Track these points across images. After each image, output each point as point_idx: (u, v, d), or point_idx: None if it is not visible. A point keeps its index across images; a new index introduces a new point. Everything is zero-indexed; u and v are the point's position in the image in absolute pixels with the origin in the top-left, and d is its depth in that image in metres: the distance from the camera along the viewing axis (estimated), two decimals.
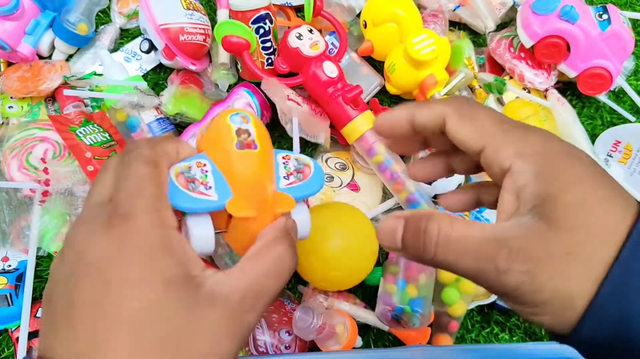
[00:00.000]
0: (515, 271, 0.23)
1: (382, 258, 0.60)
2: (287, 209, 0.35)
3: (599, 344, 0.22)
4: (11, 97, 0.63)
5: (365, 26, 0.62)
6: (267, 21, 0.59)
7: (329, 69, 0.56)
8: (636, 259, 0.22)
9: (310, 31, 0.57)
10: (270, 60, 0.62)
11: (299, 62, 0.57)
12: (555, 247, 0.23)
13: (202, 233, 0.32)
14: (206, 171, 0.35)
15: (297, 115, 0.56)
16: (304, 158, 0.42)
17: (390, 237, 0.26)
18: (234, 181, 0.34)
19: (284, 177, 0.40)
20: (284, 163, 0.40)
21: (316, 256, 0.53)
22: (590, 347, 0.23)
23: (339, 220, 0.54)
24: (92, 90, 0.61)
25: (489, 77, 0.64)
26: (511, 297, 0.24)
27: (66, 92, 0.59)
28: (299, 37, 0.57)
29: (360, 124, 0.56)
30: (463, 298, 0.55)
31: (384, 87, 0.65)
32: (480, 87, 0.65)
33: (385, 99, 0.67)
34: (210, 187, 0.34)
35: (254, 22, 0.58)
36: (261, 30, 0.59)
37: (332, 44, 0.64)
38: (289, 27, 0.66)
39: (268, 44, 0.60)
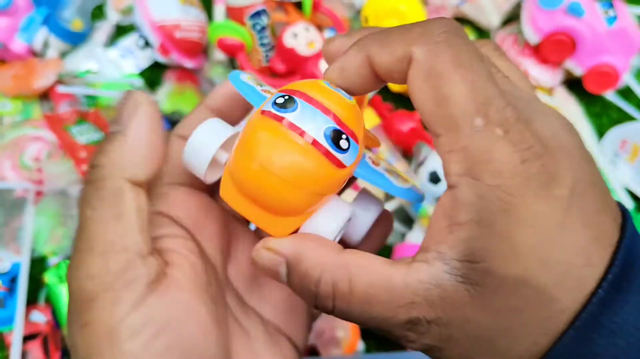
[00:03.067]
0: (422, 342, 0.18)
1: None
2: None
3: None
4: (4, 96, 0.62)
5: (367, 21, 0.61)
6: (264, 17, 0.58)
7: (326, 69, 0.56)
8: (577, 348, 0.17)
9: (307, 29, 0.56)
10: (267, 57, 0.61)
11: (296, 62, 0.57)
12: (473, 330, 0.17)
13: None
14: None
15: None
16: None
17: (271, 276, 0.20)
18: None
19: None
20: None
21: None
22: None
23: None
24: (87, 87, 0.60)
25: None
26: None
27: (61, 88, 0.58)
28: (295, 36, 0.56)
29: None
30: None
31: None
32: None
33: (387, 95, 0.65)
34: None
35: (251, 18, 0.57)
36: (258, 26, 0.58)
37: None
38: (287, 23, 0.65)
39: (265, 40, 0.59)
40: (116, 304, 0.18)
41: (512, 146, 0.17)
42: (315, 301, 0.19)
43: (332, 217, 0.20)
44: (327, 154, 0.19)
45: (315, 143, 0.19)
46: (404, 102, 0.65)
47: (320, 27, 0.64)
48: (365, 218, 0.23)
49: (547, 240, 0.17)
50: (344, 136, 0.19)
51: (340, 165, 0.19)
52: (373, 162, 0.22)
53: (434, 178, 0.56)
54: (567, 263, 0.17)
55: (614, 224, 0.18)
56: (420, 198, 0.22)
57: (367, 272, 0.19)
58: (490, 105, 0.17)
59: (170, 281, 0.20)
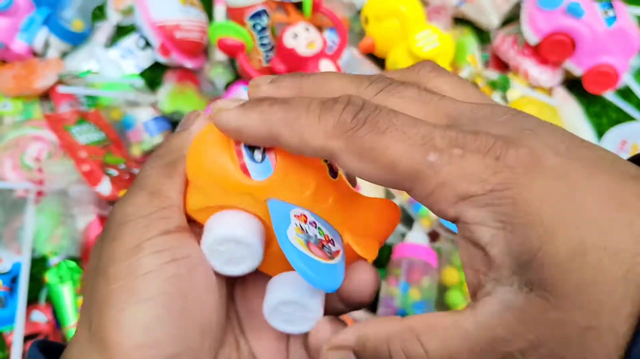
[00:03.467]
0: None
1: (384, 260, 0.59)
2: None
3: None
4: (5, 96, 0.62)
5: (367, 22, 0.61)
6: (264, 17, 0.58)
7: (327, 69, 0.56)
8: None
9: (307, 29, 0.56)
10: (268, 57, 0.61)
11: (296, 62, 0.57)
12: (567, 329, 0.16)
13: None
14: (314, 223, 0.23)
15: None
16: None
17: None
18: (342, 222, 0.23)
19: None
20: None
21: None
22: None
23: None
24: (87, 87, 0.60)
25: (492, 75, 0.63)
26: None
27: (61, 89, 0.58)
28: (295, 36, 0.56)
29: None
30: (467, 300, 0.54)
31: None
32: (484, 84, 0.64)
33: None
34: (333, 241, 0.23)
35: (251, 18, 0.57)
36: (258, 27, 0.58)
37: (332, 40, 0.63)
38: (287, 24, 0.65)
39: (266, 41, 0.60)
40: (147, 228, 0.21)
41: (477, 153, 0.16)
42: None
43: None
44: (239, 153, 0.20)
45: (238, 151, 0.20)
46: None
47: (320, 28, 0.64)
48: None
49: (565, 203, 0.16)
50: (259, 149, 0.20)
51: (245, 171, 0.20)
52: (301, 221, 0.21)
53: None
54: (600, 211, 0.16)
55: (620, 164, 0.17)
56: (331, 285, 0.20)
57: (435, 329, 0.18)
58: (431, 139, 0.17)
59: (194, 240, 0.22)
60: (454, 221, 0.17)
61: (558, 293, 0.15)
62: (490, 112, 0.18)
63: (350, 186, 0.23)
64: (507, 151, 0.16)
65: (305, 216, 0.21)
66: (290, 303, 0.22)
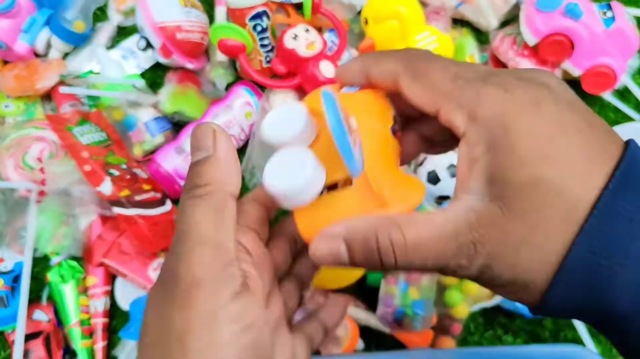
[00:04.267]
0: (472, 266, 0.22)
1: None
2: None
3: (569, 314, 0.22)
4: (7, 96, 0.62)
5: (367, 23, 0.61)
6: (264, 18, 0.58)
7: (327, 69, 0.56)
8: (599, 234, 0.20)
9: (307, 31, 0.57)
10: (268, 58, 0.61)
11: (296, 63, 0.57)
12: (509, 237, 0.21)
13: (316, 174, 0.24)
14: (354, 126, 0.26)
15: None
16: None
17: (334, 259, 0.23)
18: (375, 163, 0.25)
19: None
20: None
21: None
22: (562, 316, 0.23)
23: None
24: (89, 88, 0.60)
25: None
26: (476, 281, 0.23)
27: (63, 89, 0.59)
28: (295, 37, 0.56)
29: None
30: (466, 299, 0.54)
31: None
32: None
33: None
34: (355, 145, 0.25)
35: (251, 20, 0.57)
36: (259, 28, 0.58)
37: (332, 41, 0.64)
38: (288, 25, 0.65)
39: (266, 42, 0.60)
40: (218, 293, 0.21)
41: (494, 86, 0.22)
42: (381, 262, 0.22)
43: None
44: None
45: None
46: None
47: (320, 29, 0.64)
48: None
49: (545, 143, 0.20)
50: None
51: None
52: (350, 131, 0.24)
53: (433, 178, 0.56)
54: (569, 159, 0.20)
55: (609, 135, 0.22)
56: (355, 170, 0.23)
57: (414, 222, 0.22)
58: (463, 72, 0.23)
59: (253, 285, 0.24)
60: (461, 138, 0.22)
61: (510, 207, 0.21)
62: (513, 70, 0.24)
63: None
64: (516, 88, 0.21)
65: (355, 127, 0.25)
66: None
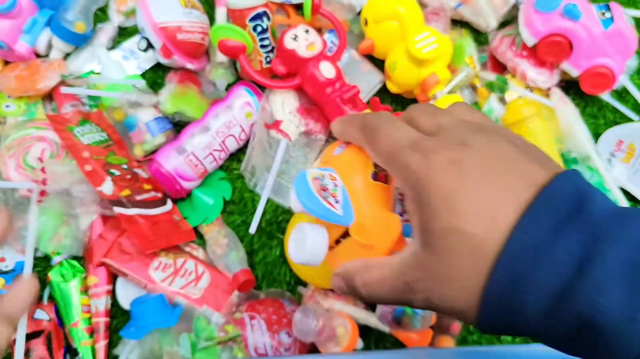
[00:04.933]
0: (418, 299, 0.28)
1: None
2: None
3: (505, 333, 0.27)
4: (8, 96, 0.63)
5: (366, 24, 0.61)
6: (264, 19, 0.58)
7: (326, 70, 0.56)
8: (509, 267, 0.24)
9: (307, 31, 0.57)
10: (268, 59, 0.61)
11: (296, 64, 0.57)
12: (436, 275, 0.26)
13: (317, 243, 0.33)
14: (336, 185, 0.36)
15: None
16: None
17: (341, 291, 0.32)
18: (360, 207, 0.33)
19: (399, 213, 0.38)
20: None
21: None
22: (499, 333, 0.27)
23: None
24: (89, 88, 0.60)
25: (490, 76, 0.63)
26: (428, 310, 0.29)
27: (64, 89, 0.59)
28: (295, 38, 0.56)
29: None
30: None
31: (385, 84, 0.65)
32: (482, 86, 0.64)
33: (386, 97, 0.66)
34: (338, 202, 0.35)
35: (251, 20, 0.58)
36: (259, 28, 0.59)
37: (332, 41, 0.64)
38: (288, 26, 0.65)
39: (266, 42, 0.60)
40: None
41: (417, 153, 0.27)
42: (358, 295, 0.31)
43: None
44: None
45: None
46: (402, 103, 0.66)
47: (320, 30, 0.64)
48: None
49: (451, 198, 0.25)
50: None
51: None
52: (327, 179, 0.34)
53: None
54: (472, 209, 0.25)
55: (525, 176, 0.26)
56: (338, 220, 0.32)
57: (379, 266, 0.30)
58: (401, 140, 0.29)
59: None
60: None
61: (433, 251, 0.26)
62: (448, 130, 0.29)
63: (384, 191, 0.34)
64: (433, 154, 0.27)
65: (336, 178, 0.34)
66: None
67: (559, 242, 0.23)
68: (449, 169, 0.26)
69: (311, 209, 0.31)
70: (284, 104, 0.60)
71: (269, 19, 0.59)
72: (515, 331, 0.26)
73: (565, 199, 0.24)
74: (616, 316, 0.22)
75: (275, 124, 0.59)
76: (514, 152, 0.27)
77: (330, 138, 0.61)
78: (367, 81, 0.63)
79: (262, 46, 0.60)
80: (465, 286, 0.25)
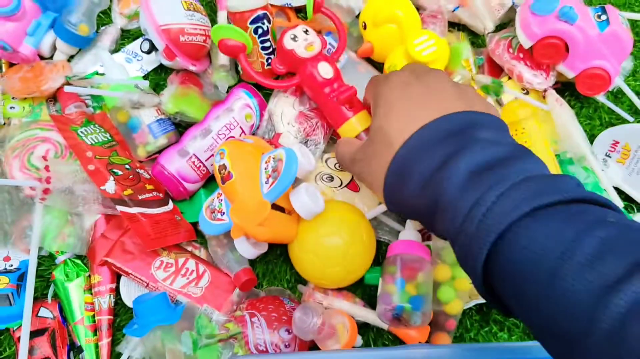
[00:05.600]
0: (355, 170, 0.47)
1: (381, 258, 0.60)
2: (263, 218, 0.49)
3: (397, 208, 0.43)
4: (13, 98, 0.63)
5: (365, 27, 0.62)
6: (265, 21, 0.59)
7: (324, 70, 0.57)
8: (402, 158, 0.39)
9: (306, 32, 0.57)
10: (270, 61, 0.62)
11: (295, 64, 0.57)
12: (366, 156, 0.44)
13: (242, 248, 0.54)
14: (221, 200, 0.53)
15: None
16: (278, 152, 0.53)
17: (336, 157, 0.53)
18: (232, 207, 0.50)
19: (265, 182, 0.52)
20: (265, 168, 0.51)
21: (315, 253, 0.53)
22: (395, 211, 0.44)
23: (337, 217, 0.54)
24: (93, 87, 0.61)
25: (486, 79, 0.64)
26: (358, 180, 0.49)
27: (67, 88, 0.59)
28: (294, 38, 0.57)
29: (356, 125, 0.55)
30: (459, 295, 0.55)
31: None
32: (478, 88, 0.65)
33: None
34: (223, 213, 0.52)
35: (252, 23, 0.58)
36: (260, 30, 0.59)
37: (330, 43, 0.65)
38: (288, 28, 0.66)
39: (267, 44, 0.61)
40: None
41: (383, 78, 0.47)
42: (336, 156, 0.51)
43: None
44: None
45: None
46: None
47: (319, 32, 0.65)
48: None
49: (387, 108, 0.42)
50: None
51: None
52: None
53: None
54: (397, 118, 0.41)
55: (439, 108, 0.40)
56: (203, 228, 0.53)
57: (350, 143, 0.50)
58: (380, 77, 0.49)
59: None
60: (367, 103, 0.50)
61: (371, 141, 0.43)
62: (407, 65, 0.48)
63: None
64: (390, 78, 0.45)
65: (221, 194, 0.55)
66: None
67: (437, 147, 0.37)
68: (396, 88, 0.42)
69: (209, 233, 0.54)
70: (283, 115, 0.60)
71: (269, 21, 0.60)
72: (403, 207, 0.41)
73: (456, 124, 0.38)
74: (452, 195, 0.34)
75: (275, 138, 0.60)
76: (450, 90, 0.41)
77: (332, 139, 0.62)
78: (364, 82, 0.64)
79: (263, 48, 0.61)
80: (380, 165, 0.41)
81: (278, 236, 0.53)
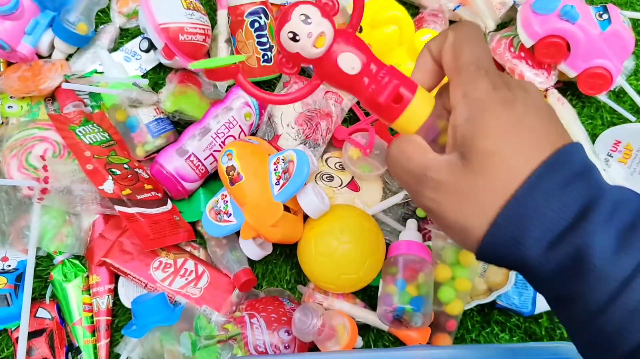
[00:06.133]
0: (425, 193, 0.30)
1: None
2: (277, 219, 0.50)
3: (497, 260, 0.29)
4: (11, 97, 0.63)
5: (361, 30, 0.61)
6: (262, 15, 0.59)
7: (349, 63, 0.36)
8: (526, 201, 0.28)
9: (306, 18, 0.35)
10: (266, 57, 0.61)
11: (308, 63, 0.39)
12: (460, 187, 0.29)
13: (248, 249, 0.55)
14: (227, 201, 0.53)
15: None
16: (288, 154, 0.52)
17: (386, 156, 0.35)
18: (242, 208, 0.51)
19: (276, 183, 0.52)
20: (274, 169, 0.56)
21: (330, 259, 0.53)
22: (492, 262, 0.30)
23: (351, 224, 0.54)
24: (91, 85, 0.61)
25: None
26: (427, 212, 0.31)
27: (65, 85, 0.59)
28: (294, 38, 0.35)
29: (419, 112, 0.34)
30: (459, 296, 0.55)
31: None
32: None
33: None
34: (230, 214, 0.52)
35: (248, 16, 0.58)
36: (256, 24, 0.59)
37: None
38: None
39: (264, 39, 0.60)
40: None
41: (489, 81, 0.29)
42: (388, 156, 0.34)
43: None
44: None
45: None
46: None
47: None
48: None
49: (505, 131, 0.28)
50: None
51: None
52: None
53: None
54: (518, 145, 0.28)
55: (557, 137, 0.29)
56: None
57: (417, 143, 0.32)
58: (481, 60, 0.30)
59: None
60: (453, 108, 0.30)
61: (469, 165, 0.29)
62: (508, 76, 0.32)
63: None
64: (501, 88, 0.29)
65: (226, 195, 0.55)
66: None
67: (568, 190, 0.28)
68: (510, 107, 0.29)
69: (214, 235, 0.54)
70: (283, 117, 0.60)
71: (267, 16, 0.59)
72: (510, 260, 0.29)
73: (576, 163, 0.29)
74: (605, 253, 0.27)
75: (274, 140, 0.59)
76: (547, 114, 0.31)
77: (332, 144, 0.62)
78: None
79: (260, 43, 0.60)
80: (485, 204, 0.28)
81: (287, 236, 0.54)
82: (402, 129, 0.35)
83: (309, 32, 0.35)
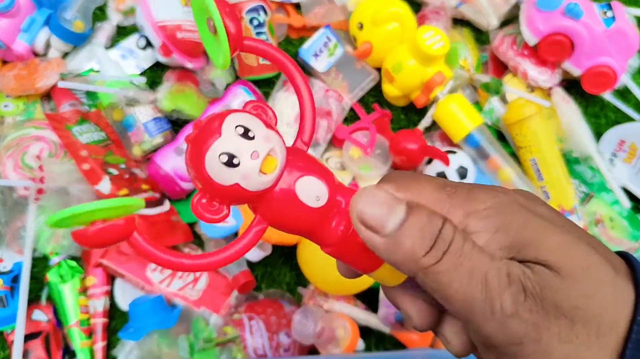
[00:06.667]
0: (522, 318, 0.19)
1: None
2: None
3: None
4: (7, 96, 0.62)
5: (361, 28, 0.61)
6: (261, 12, 0.58)
7: (312, 193, 0.24)
8: None
9: (246, 132, 0.22)
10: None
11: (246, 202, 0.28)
12: (563, 302, 0.19)
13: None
14: None
15: None
16: None
17: (378, 222, 0.20)
18: (240, 209, 0.49)
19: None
20: None
21: (330, 260, 0.52)
22: None
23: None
24: (87, 83, 0.60)
25: (485, 78, 0.63)
26: (505, 352, 0.20)
27: (61, 83, 0.58)
28: (230, 162, 0.22)
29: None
30: None
31: (377, 86, 0.64)
32: (478, 87, 0.64)
33: (382, 99, 0.66)
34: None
35: (248, 13, 0.58)
36: (255, 22, 0.58)
37: (327, 37, 0.63)
38: (288, 25, 0.65)
39: (263, 37, 0.60)
40: None
41: (482, 189, 0.23)
42: (423, 255, 0.20)
43: None
44: None
45: None
46: (402, 109, 0.66)
47: (316, 28, 0.64)
48: None
49: (556, 228, 0.21)
50: None
51: None
52: None
53: (463, 172, 0.58)
54: (589, 273, 0.20)
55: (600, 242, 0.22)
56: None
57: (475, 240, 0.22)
58: (448, 184, 0.23)
59: None
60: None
61: (564, 273, 0.20)
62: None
63: None
64: (504, 193, 0.23)
65: None
66: None
67: None
68: (533, 207, 0.23)
69: (215, 237, 0.54)
70: (281, 115, 0.59)
71: (266, 13, 0.59)
72: None
73: None
74: None
75: None
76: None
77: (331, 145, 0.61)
78: (359, 78, 0.63)
79: None
80: (599, 336, 0.20)
81: (287, 237, 0.53)
82: (389, 278, 0.27)
83: (253, 151, 0.23)
